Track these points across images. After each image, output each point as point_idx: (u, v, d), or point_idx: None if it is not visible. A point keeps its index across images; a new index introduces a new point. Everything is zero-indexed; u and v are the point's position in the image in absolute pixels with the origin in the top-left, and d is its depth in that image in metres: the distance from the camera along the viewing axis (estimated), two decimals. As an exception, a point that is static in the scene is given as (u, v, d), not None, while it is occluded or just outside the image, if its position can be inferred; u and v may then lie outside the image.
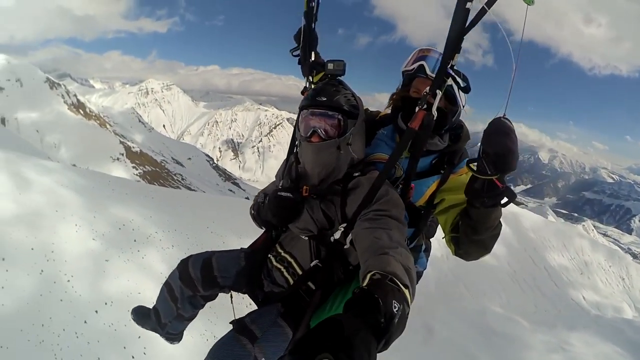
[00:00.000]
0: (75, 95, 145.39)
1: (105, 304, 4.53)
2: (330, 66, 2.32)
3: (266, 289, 2.22)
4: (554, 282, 12.87)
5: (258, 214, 2.31)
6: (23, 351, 3.66)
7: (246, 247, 2.45)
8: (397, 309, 1.11)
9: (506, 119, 1.66)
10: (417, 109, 1.94)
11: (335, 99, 2.00)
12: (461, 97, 2.10)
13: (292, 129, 2.32)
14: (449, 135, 2.23)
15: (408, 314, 1.23)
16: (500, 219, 1.91)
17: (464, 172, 1.99)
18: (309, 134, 2.01)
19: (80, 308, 4.33)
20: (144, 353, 4.18)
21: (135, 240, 5.79)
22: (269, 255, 2.25)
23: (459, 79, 1.97)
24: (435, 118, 1.94)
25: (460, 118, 2.22)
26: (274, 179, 2.43)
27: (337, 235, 1.91)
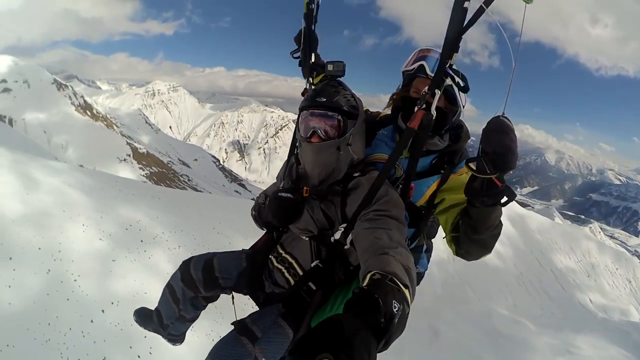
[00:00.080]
0: (82, 97, 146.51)
1: (112, 303, 4.56)
2: (330, 67, 2.33)
3: (267, 289, 2.22)
4: (561, 284, 12.79)
5: (259, 215, 2.32)
6: (29, 350, 3.69)
7: (248, 248, 2.46)
8: (397, 309, 1.11)
9: (505, 117, 1.65)
10: (416, 108, 1.94)
11: (334, 99, 2.01)
12: (461, 97, 2.10)
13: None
14: (449, 135, 2.23)
15: (408, 313, 1.23)
16: (502, 219, 1.90)
17: (464, 171, 1.98)
18: (308, 134, 2.01)
19: (86, 307, 4.36)
20: (150, 353, 4.20)
21: (142, 241, 5.82)
22: (270, 256, 2.25)
23: (458, 79, 1.98)
24: (434, 118, 1.94)
25: (460, 118, 2.21)
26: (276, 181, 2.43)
27: (337, 235, 1.90)
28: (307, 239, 2.07)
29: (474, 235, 1.89)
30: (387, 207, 1.81)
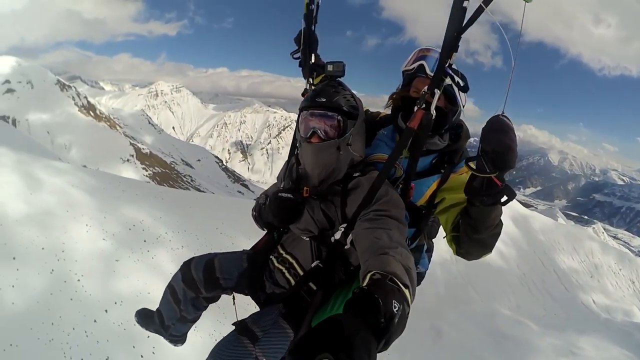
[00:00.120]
0: (85, 97, 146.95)
1: (115, 303, 4.58)
2: (329, 68, 2.33)
3: (268, 290, 2.22)
4: (564, 285, 12.77)
5: (259, 216, 2.32)
6: (33, 349, 3.71)
7: (248, 248, 2.46)
8: (397, 308, 1.11)
9: (505, 116, 1.65)
10: (415, 108, 1.95)
11: (334, 99, 2.01)
12: (461, 96, 2.10)
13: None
14: (449, 135, 2.23)
15: (408, 313, 1.23)
16: (505, 219, 1.90)
17: (464, 171, 1.97)
18: (308, 134, 2.01)
19: (90, 307, 4.38)
20: (153, 352, 4.21)
21: (145, 241, 5.84)
22: (271, 257, 2.25)
23: (457, 78, 1.98)
24: (434, 117, 1.95)
25: (460, 117, 2.21)
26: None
27: (337, 235, 1.91)
28: (308, 239, 2.07)
29: (474, 235, 1.89)
30: (387, 207, 1.81)
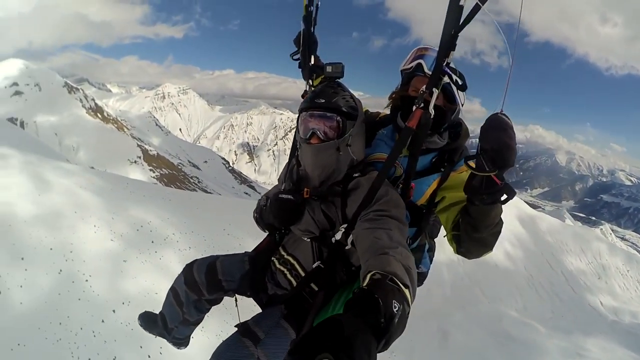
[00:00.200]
0: (93, 100, 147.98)
1: (123, 303, 4.61)
2: (328, 69, 2.34)
3: (270, 291, 2.23)
4: (571, 286, 12.67)
5: (261, 217, 2.33)
6: (41, 349, 3.74)
7: (250, 250, 2.47)
8: (397, 309, 1.12)
9: (503, 114, 1.65)
10: (414, 107, 1.95)
11: (333, 100, 2.02)
12: (459, 95, 2.11)
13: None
14: (448, 133, 2.23)
15: (408, 313, 1.24)
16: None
17: (464, 169, 1.97)
18: (308, 135, 2.02)
19: (98, 307, 4.41)
20: (160, 352, 4.23)
21: (152, 242, 5.88)
22: (273, 258, 2.27)
23: (455, 77, 1.98)
24: (432, 116, 1.95)
25: (459, 116, 2.22)
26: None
27: (338, 236, 1.91)
28: (309, 240, 2.07)
29: (474, 234, 1.89)
30: (387, 207, 1.81)
